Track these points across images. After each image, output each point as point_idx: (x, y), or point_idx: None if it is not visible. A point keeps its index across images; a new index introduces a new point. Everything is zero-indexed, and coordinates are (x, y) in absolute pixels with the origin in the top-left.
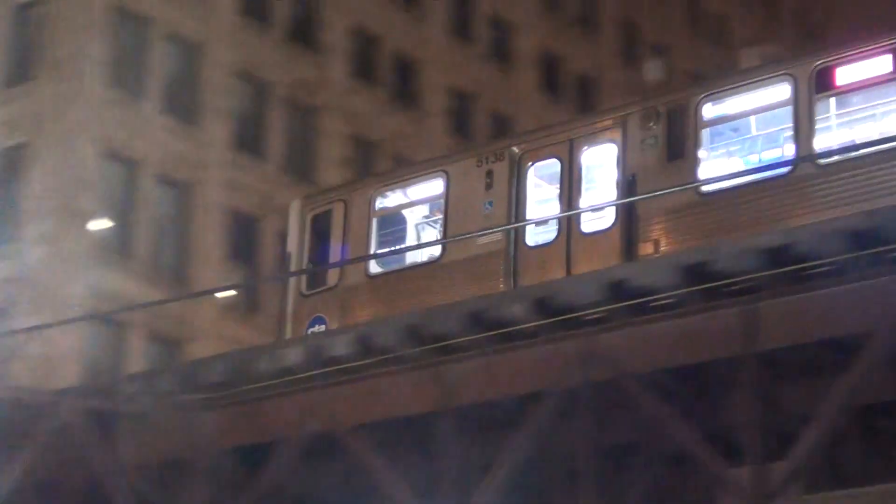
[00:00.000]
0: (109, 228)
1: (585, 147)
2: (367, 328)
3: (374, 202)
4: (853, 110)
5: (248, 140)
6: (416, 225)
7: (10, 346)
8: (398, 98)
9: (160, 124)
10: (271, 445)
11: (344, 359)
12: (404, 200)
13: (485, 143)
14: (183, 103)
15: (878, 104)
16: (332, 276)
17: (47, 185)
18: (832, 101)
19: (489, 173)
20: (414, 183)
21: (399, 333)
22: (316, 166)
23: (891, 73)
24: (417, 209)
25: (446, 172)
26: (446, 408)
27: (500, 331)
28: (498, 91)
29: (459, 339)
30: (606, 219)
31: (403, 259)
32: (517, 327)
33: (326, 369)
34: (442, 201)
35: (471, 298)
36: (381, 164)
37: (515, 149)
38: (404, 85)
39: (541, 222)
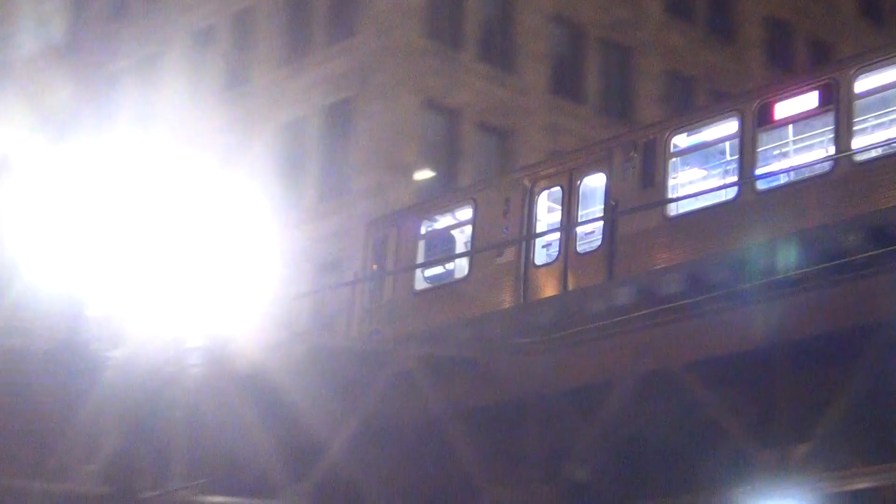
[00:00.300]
0: (433, 178)
1: (582, 176)
2: (698, 265)
3: (421, 227)
4: (788, 141)
5: (566, 83)
6: (465, 243)
7: (343, 297)
8: (714, 32)
9: (478, 72)
10: (604, 386)
11: (675, 297)
12: (444, 225)
13: (503, 174)
14: (499, 50)
15: (808, 135)
16: (387, 292)
17: (372, 138)
18: (771, 133)
19: (507, 201)
20: (451, 210)
21: (730, 269)
22: (633, 106)
23: (818, 107)
24: (466, 230)
25: (474, 200)
26: (780, 343)
27: (835, 262)
28: (818, 19)
29: (792, 273)
30: (595, 241)
31: (446, 276)
32: (850, 258)
33: (659, 308)
34: (471, 226)
35: (805, 230)
36: (698, 99)
37: (526, 180)
38: (720, 18)
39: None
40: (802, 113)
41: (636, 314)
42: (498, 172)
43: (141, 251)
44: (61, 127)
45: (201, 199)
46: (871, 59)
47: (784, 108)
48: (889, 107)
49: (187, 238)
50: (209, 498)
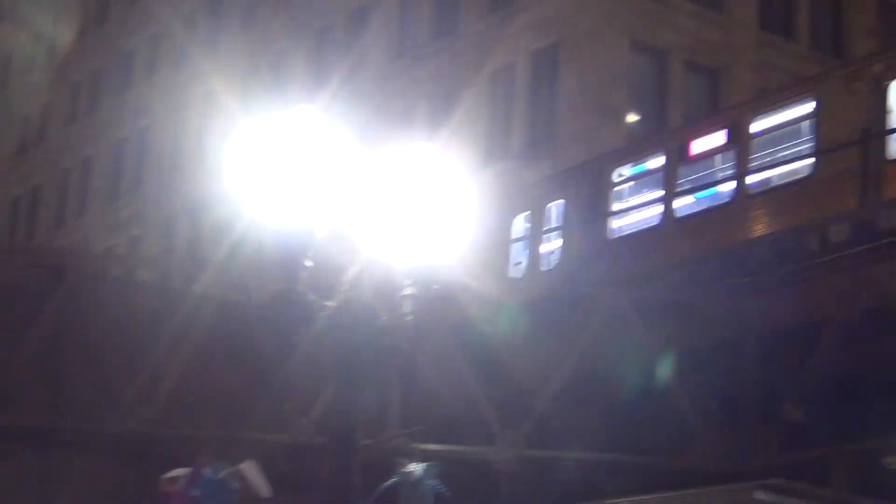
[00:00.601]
0: (641, 121)
1: (548, 203)
2: None
3: None
4: (702, 174)
5: (775, 19)
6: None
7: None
8: None
9: (686, 11)
10: (822, 324)
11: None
12: None
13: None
14: None
15: (718, 168)
16: None
17: (580, 82)
18: (689, 166)
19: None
20: None
21: None
22: (846, 40)
23: (723, 145)
24: None
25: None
26: None
27: None
28: None
29: None
30: (555, 260)
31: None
32: None
33: (877, 243)
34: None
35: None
36: None
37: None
38: None
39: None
40: (713, 149)
41: (854, 250)
42: (706, 113)
43: (354, 200)
44: (275, 79)
45: (412, 149)
46: (763, 105)
47: (698, 146)
48: (776, 145)
49: (399, 187)
50: (424, 445)
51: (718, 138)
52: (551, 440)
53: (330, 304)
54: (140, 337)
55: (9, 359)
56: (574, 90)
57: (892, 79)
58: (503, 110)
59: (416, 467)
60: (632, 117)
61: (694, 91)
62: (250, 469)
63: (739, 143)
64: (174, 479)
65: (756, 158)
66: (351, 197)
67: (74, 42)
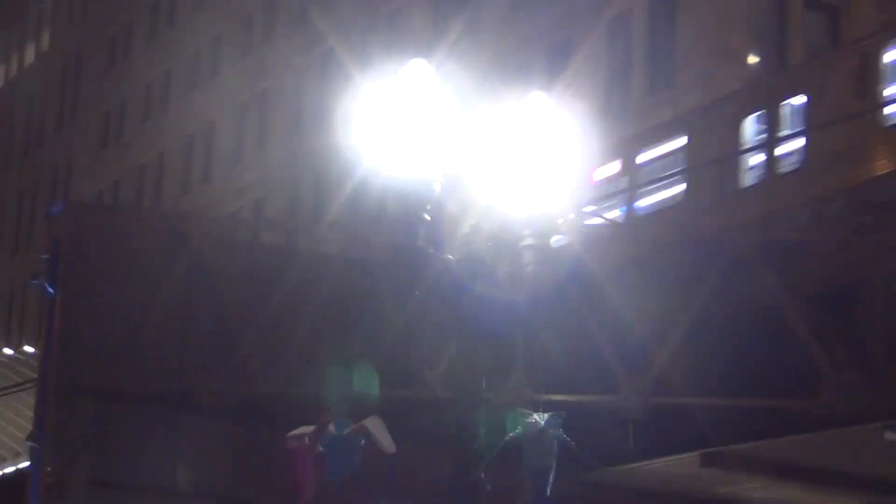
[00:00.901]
0: (760, 62)
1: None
2: None
3: None
4: (600, 199)
5: None
6: None
7: None
8: None
9: None
10: None
11: None
12: None
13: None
14: None
15: (613, 194)
16: None
17: (698, 25)
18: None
19: None
20: None
21: None
22: None
23: (619, 172)
24: None
25: None
26: None
27: None
28: None
29: None
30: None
31: None
32: None
33: None
34: None
35: None
36: None
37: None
38: None
39: None
40: (609, 177)
41: None
42: (826, 51)
43: (472, 152)
44: (392, 36)
45: (530, 100)
46: (647, 139)
47: (599, 173)
48: (655, 174)
49: (518, 138)
50: (548, 395)
51: (614, 167)
52: (678, 386)
53: (449, 257)
54: (265, 298)
55: (138, 323)
56: (692, 34)
57: (745, 117)
58: (621, 59)
59: (539, 417)
60: (752, 59)
61: (815, 29)
62: (375, 425)
63: (629, 171)
64: (299, 437)
65: (644, 184)
66: (469, 149)
67: (192, 11)
